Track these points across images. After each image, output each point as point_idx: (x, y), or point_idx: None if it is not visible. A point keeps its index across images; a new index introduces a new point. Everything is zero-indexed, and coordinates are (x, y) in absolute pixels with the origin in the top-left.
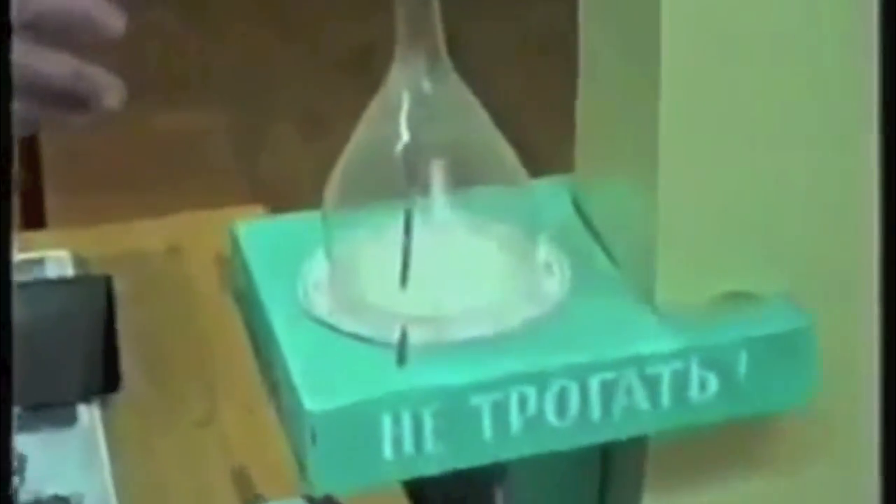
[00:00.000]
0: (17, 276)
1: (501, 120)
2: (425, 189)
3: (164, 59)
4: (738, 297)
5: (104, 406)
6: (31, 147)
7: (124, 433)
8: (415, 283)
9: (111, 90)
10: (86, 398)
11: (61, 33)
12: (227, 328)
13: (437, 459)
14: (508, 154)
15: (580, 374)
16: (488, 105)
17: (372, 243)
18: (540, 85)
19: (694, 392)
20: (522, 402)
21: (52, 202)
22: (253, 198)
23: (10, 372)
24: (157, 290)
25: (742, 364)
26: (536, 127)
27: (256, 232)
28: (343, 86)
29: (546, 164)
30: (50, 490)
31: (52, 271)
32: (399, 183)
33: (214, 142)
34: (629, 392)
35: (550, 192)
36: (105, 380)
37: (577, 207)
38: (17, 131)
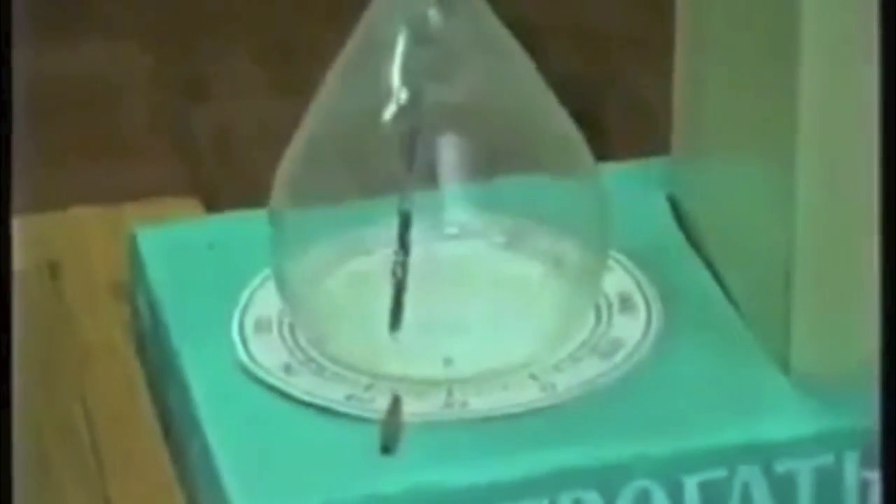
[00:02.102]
0: None
1: (556, 73)
2: (430, 179)
3: None
4: None
5: None
6: None
7: None
8: (412, 327)
9: None
10: None
11: None
12: (124, 393)
13: None
14: (564, 124)
15: (669, 470)
16: (536, 49)
17: (347, 264)
18: (623, 17)
19: (850, 502)
20: None
21: None
22: (186, 182)
23: (10, 372)
24: (24, 341)
25: None
26: (625, 86)
27: (169, 242)
28: (329, 16)
29: (627, 141)
30: None
31: None
32: (390, 169)
33: (128, 94)
34: (747, 500)
35: (632, 185)
36: None
37: (675, 208)
38: None
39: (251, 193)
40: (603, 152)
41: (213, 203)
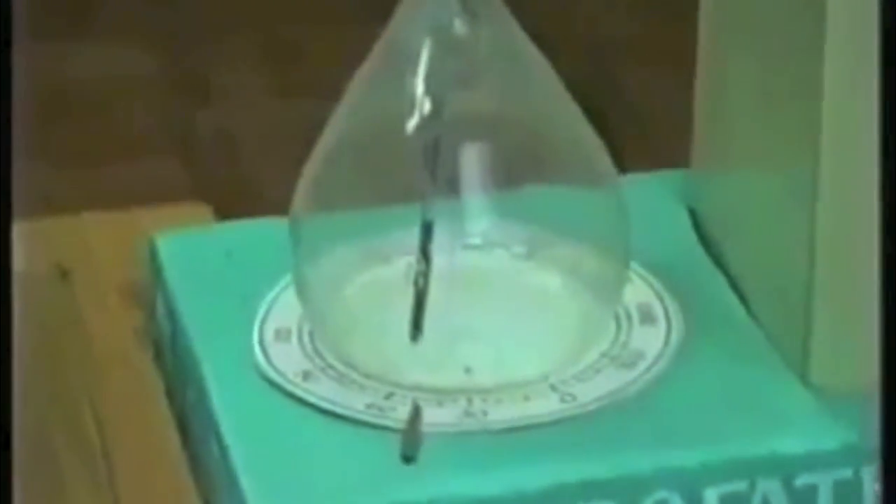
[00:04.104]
0: None
1: (566, 82)
2: (452, 189)
3: None
4: None
5: None
6: None
7: None
8: (433, 336)
9: None
10: None
11: None
12: (135, 398)
13: None
14: (586, 135)
15: (688, 482)
16: (559, 61)
17: (367, 272)
18: (631, 26)
19: None
20: None
21: None
22: (193, 188)
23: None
24: (34, 345)
25: None
26: (632, 95)
27: (188, 248)
28: (333, 19)
29: (633, 150)
30: None
31: None
32: (412, 179)
33: (132, 96)
34: None
35: (652, 197)
36: None
37: (696, 220)
38: None
39: (255, 196)
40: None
41: (217, 206)
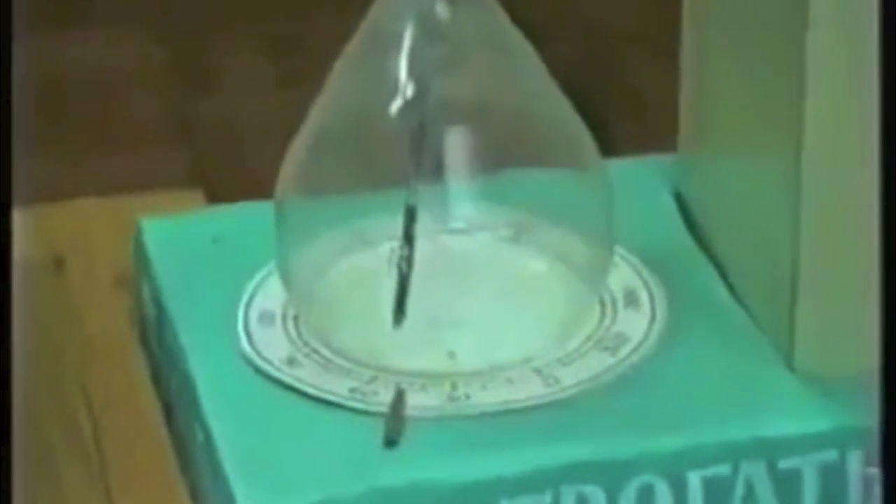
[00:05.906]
0: None
1: (557, 67)
2: (436, 173)
3: None
4: None
5: None
6: None
7: None
8: (416, 321)
9: None
10: None
11: None
12: (127, 385)
13: None
14: (569, 119)
15: (673, 466)
16: (537, 44)
17: (351, 257)
18: (624, 11)
19: (854, 500)
20: None
21: None
22: (194, 177)
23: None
24: (28, 332)
25: None
26: (628, 81)
27: (173, 233)
28: (334, 8)
29: (627, 136)
30: None
31: None
32: (396, 164)
33: (133, 85)
34: (751, 496)
35: (638, 182)
36: None
37: (681, 205)
38: None
39: (255, 186)
40: (603, 147)
41: (217, 196)
